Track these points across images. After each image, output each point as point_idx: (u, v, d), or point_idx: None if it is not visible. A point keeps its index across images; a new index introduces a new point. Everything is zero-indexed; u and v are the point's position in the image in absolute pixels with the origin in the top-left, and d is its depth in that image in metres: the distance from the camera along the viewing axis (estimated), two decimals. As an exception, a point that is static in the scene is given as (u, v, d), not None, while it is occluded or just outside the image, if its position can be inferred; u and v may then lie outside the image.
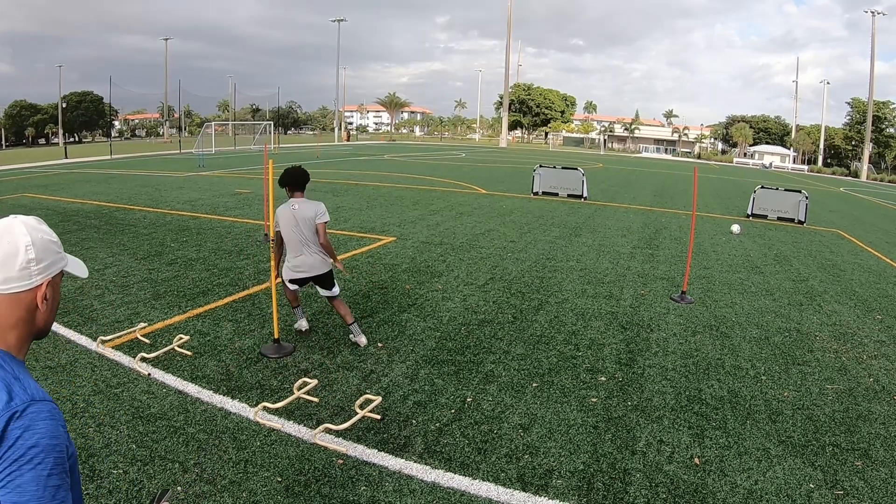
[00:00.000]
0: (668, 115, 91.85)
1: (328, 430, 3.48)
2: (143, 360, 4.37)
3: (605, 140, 77.84)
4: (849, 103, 65.53)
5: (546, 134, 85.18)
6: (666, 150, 76.72)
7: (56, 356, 4.44)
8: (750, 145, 68.05)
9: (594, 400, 4.08)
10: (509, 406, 3.93)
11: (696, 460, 3.37)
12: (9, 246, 1.07)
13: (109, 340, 4.72)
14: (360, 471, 3.15)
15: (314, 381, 4.05)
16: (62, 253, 1.17)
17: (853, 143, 62.73)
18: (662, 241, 10.20)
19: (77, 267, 1.23)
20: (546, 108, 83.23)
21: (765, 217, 13.81)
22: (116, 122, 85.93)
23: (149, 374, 4.19)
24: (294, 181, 4.57)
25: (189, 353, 4.55)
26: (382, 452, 3.32)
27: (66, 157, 28.16)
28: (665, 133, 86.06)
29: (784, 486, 3.15)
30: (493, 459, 3.30)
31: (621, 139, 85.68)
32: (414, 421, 3.68)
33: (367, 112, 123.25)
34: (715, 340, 5.37)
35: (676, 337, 5.41)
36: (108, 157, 29.19)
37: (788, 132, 69.92)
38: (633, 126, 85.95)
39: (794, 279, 7.92)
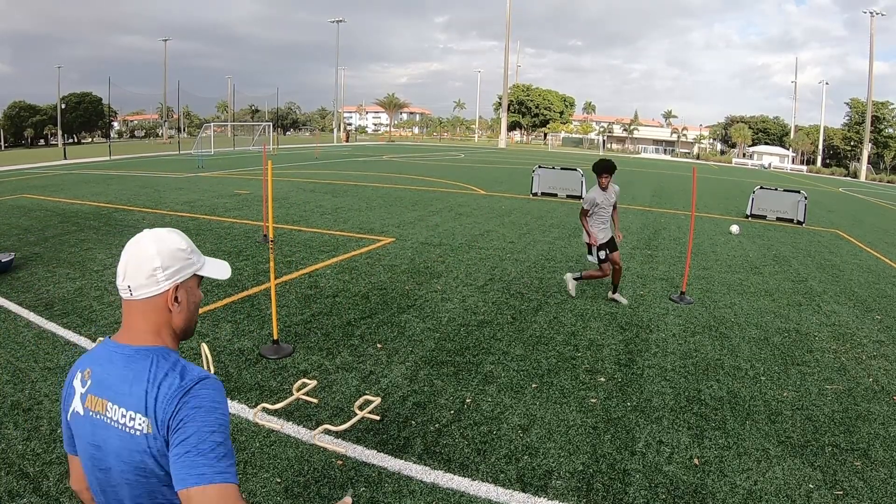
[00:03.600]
0: (668, 115, 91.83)
1: (327, 431, 3.48)
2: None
3: (604, 141, 77.88)
4: (847, 103, 65.56)
5: (545, 135, 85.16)
6: (665, 150, 76.71)
7: (55, 357, 4.44)
8: (749, 146, 68.09)
9: (593, 400, 4.08)
10: (508, 407, 3.93)
11: (696, 461, 3.37)
12: (134, 258, 1.19)
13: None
14: (359, 472, 3.15)
15: (313, 382, 4.05)
16: (193, 258, 1.26)
17: (852, 143, 62.72)
18: (661, 241, 10.21)
19: (215, 270, 1.31)
20: (545, 108, 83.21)
21: (764, 217, 13.82)
22: (115, 123, 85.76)
23: None
24: (602, 168, 6.04)
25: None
26: (382, 453, 3.32)
27: (65, 158, 28.16)
28: (664, 133, 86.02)
29: (783, 487, 3.15)
30: (493, 460, 3.30)
31: (620, 140, 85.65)
32: (413, 422, 3.68)
33: (366, 113, 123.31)
34: (714, 341, 5.37)
35: (675, 337, 5.41)
36: (107, 157, 29.19)
37: (787, 132, 69.94)
38: (631, 127, 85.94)
39: (793, 279, 7.92)
